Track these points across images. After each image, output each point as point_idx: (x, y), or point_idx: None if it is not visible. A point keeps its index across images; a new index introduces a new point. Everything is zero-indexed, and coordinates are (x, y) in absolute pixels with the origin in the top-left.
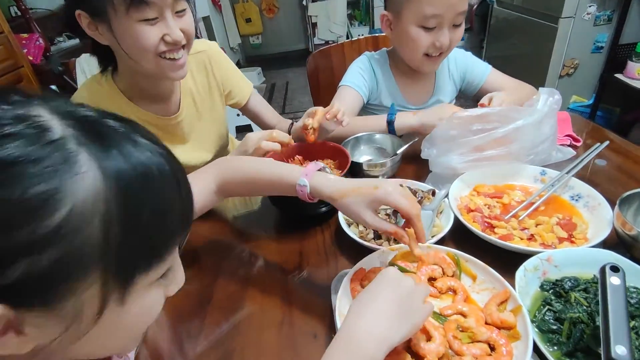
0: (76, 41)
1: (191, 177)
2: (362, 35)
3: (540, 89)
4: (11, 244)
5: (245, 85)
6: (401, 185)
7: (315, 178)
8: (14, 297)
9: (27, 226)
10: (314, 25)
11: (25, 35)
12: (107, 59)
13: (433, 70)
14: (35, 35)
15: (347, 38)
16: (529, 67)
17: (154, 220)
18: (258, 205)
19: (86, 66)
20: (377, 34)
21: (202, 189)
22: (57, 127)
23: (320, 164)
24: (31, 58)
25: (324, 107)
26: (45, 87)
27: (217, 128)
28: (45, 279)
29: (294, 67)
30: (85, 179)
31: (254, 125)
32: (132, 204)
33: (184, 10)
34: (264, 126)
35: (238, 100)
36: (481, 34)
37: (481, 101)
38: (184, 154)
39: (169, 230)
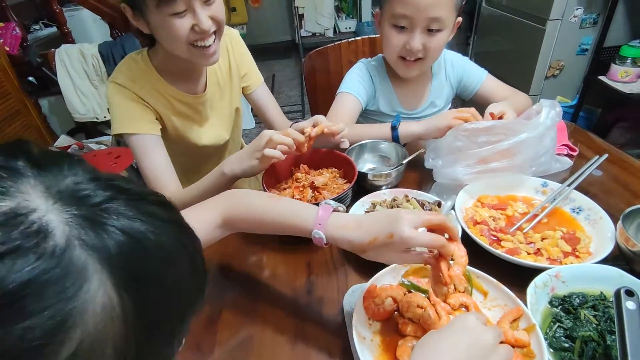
0: (53, 29)
1: (196, 208)
2: (350, 28)
3: (541, 100)
4: None
5: (258, 74)
6: (407, 199)
7: (330, 228)
8: None
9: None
10: (301, 16)
11: (0, 24)
12: (150, 39)
13: (410, 76)
14: (12, 24)
15: (335, 31)
16: (516, 67)
17: (175, 315)
18: None
19: (66, 57)
20: (374, 35)
21: (205, 222)
22: (58, 229)
23: (330, 204)
24: (8, 49)
25: (322, 110)
26: (24, 79)
27: (235, 108)
28: None
29: (280, 58)
30: (93, 299)
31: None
32: (149, 309)
33: None
34: (266, 120)
35: (250, 85)
36: (467, 31)
37: (490, 111)
38: (205, 132)
39: (189, 314)
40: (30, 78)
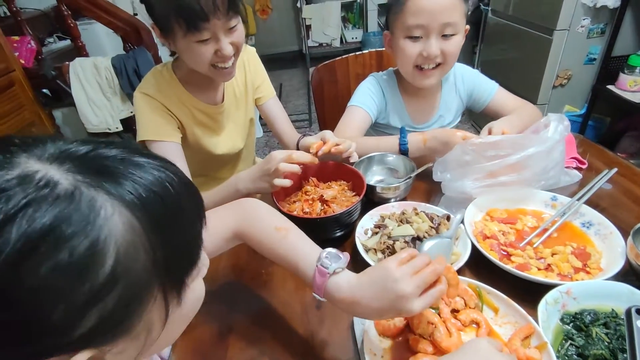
0: (67, 42)
1: (212, 216)
2: (356, 38)
3: (549, 115)
4: (77, 302)
5: (270, 87)
6: (416, 213)
7: (329, 298)
8: (93, 341)
9: (86, 282)
10: (308, 27)
11: (16, 37)
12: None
13: (428, 85)
14: (27, 38)
15: (341, 41)
16: (523, 76)
17: (184, 227)
18: None
19: (80, 70)
20: (380, 48)
21: (219, 231)
22: (62, 178)
23: (327, 267)
24: (23, 61)
25: (329, 120)
26: (38, 91)
27: (250, 118)
28: (116, 316)
29: (287, 68)
30: (115, 220)
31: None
32: (163, 224)
33: (236, 25)
34: (276, 131)
35: (262, 96)
36: (474, 40)
37: (492, 129)
38: (221, 141)
39: (195, 230)
40: (45, 90)
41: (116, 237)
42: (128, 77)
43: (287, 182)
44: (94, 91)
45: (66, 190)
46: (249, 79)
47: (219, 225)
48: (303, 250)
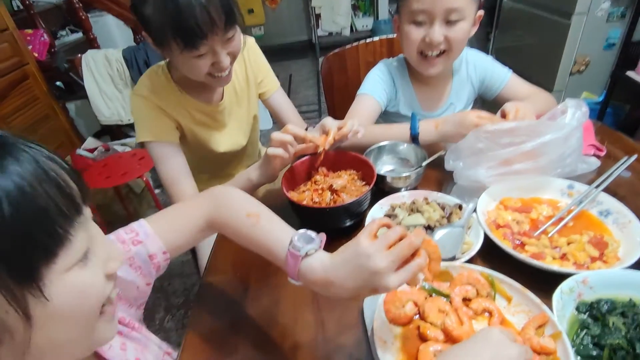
0: (79, 35)
1: (181, 207)
2: (366, 26)
3: (567, 100)
4: None
5: (274, 79)
6: (427, 202)
7: (303, 280)
8: None
9: None
10: (318, 16)
11: (29, 30)
12: None
13: (433, 74)
14: (40, 31)
15: (351, 29)
16: (539, 63)
17: (28, 211)
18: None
19: (92, 62)
20: (391, 35)
21: (189, 223)
22: None
23: (298, 249)
24: (36, 55)
25: (339, 110)
26: (52, 84)
27: (252, 114)
28: None
29: (297, 58)
30: None
31: None
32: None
33: (233, 35)
34: (283, 124)
35: (266, 91)
36: (487, 26)
37: (505, 109)
38: (223, 139)
39: (52, 213)
40: (58, 83)
41: None
42: (139, 68)
43: (279, 151)
44: (105, 83)
45: None
46: (250, 73)
47: (189, 216)
48: (274, 235)
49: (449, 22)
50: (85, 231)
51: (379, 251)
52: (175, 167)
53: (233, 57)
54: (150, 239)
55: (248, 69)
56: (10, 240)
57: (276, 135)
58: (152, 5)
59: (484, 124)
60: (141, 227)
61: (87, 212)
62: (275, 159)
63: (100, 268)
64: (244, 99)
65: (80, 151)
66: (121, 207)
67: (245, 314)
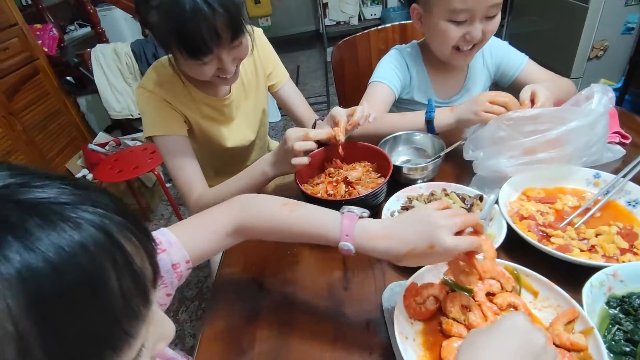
0: (87, 29)
1: (204, 216)
2: (375, 14)
3: (592, 85)
4: None
5: (283, 71)
6: (447, 194)
7: (358, 238)
8: None
9: None
10: (325, 5)
11: (39, 25)
12: None
13: (464, 64)
14: (49, 26)
15: (359, 18)
16: (555, 49)
17: (91, 317)
18: None
19: (101, 56)
20: (404, 22)
21: (214, 230)
22: None
23: (353, 212)
24: (46, 49)
25: (350, 100)
26: (62, 79)
27: (260, 107)
28: None
29: (304, 49)
30: None
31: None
32: (51, 312)
33: (240, 42)
34: (293, 115)
35: (276, 83)
36: (501, 12)
37: (522, 96)
38: (231, 134)
39: (120, 315)
40: (68, 78)
41: None
42: (147, 61)
43: (304, 160)
44: (115, 77)
45: None
46: (259, 65)
47: (215, 223)
48: (317, 214)
49: (487, 18)
50: (147, 324)
51: (444, 213)
52: (184, 161)
53: (239, 60)
54: (174, 248)
55: (257, 61)
56: (66, 356)
57: (300, 144)
58: (156, 14)
59: (498, 102)
60: (164, 236)
61: (154, 295)
62: (299, 166)
63: (149, 355)
64: (251, 92)
65: (92, 146)
66: (134, 201)
67: (261, 309)
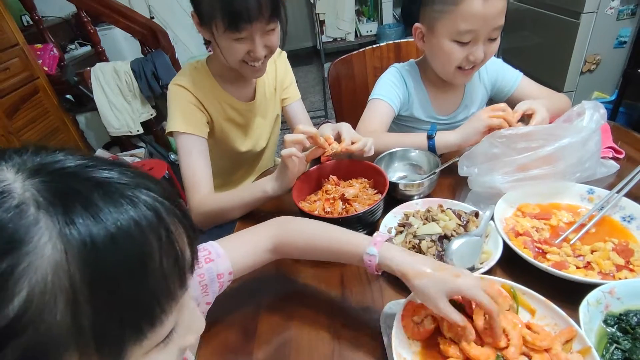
0: (87, 48)
1: (247, 233)
2: (371, 31)
3: (583, 102)
4: None
5: (296, 90)
6: (442, 210)
7: (385, 249)
8: None
9: None
10: (322, 22)
11: (39, 45)
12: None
13: (466, 82)
14: (50, 46)
15: (356, 35)
16: (548, 63)
17: (135, 287)
18: None
19: (101, 74)
20: (399, 40)
21: (255, 246)
22: (19, 189)
23: (386, 234)
24: (46, 69)
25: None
26: (62, 97)
27: (274, 119)
28: None
29: (302, 65)
30: (41, 253)
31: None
32: (103, 276)
33: (274, 28)
34: None
35: (288, 98)
36: None
37: (519, 110)
38: (247, 138)
39: (159, 291)
40: (68, 96)
41: (34, 275)
42: (147, 80)
43: (293, 150)
44: (114, 95)
45: (12, 203)
46: (279, 79)
47: (257, 239)
48: (352, 232)
49: (489, 40)
50: (179, 308)
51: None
52: (198, 162)
53: (269, 51)
54: (221, 259)
55: (279, 74)
56: (109, 318)
57: (289, 136)
58: None
59: (497, 116)
60: (212, 247)
61: (190, 281)
62: (291, 160)
63: (178, 344)
64: (270, 102)
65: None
66: None
67: (258, 327)
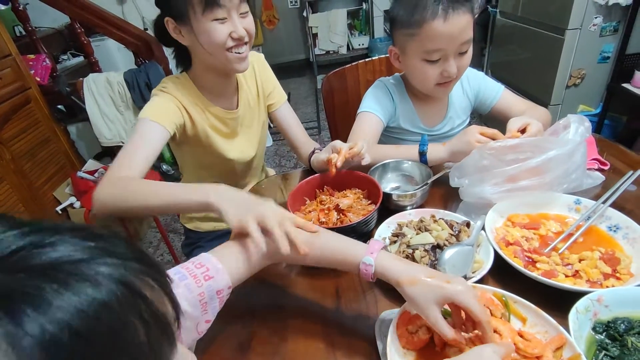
0: (80, 59)
1: (242, 241)
2: (363, 44)
3: (569, 116)
4: None
5: (281, 92)
6: (435, 220)
7: (381, 258)
8: None
9: None
10: (315, 35)
11: (32, 56)
12: (185, 61)
13: (447, 94)
14: (42, 56)
15: (348, 48)
16: (534, 77)
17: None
18: None
19: (93, 85)
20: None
21: (251, 253)
22: None
23: (381, 241)
24: (39, 79)
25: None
26: (54, 107)
27: (261, 127)
28: None
29: (295, 77)
30: None
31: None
32: None
33: (247, 12)
34: (289, 139)
35: (274, 103)
36: (482, 42)
37: (513, 126)
38: (233, 148)
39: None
40: (60, 106)
41: None
42: (140, 91)
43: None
44: (107, 106)
45: None
46: (260, 86)
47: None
48: (348, 238)
49: (460, 54)
50: None
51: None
52: (145, 147)
53: (249, 35)
54: (220, 275)
55: (258, 81)
56: None
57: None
58: None
59: (485, 136)
60: (210, 262)
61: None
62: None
63: None
64: (255, 111)
65: (81, 174)
66: (122, 228)
67: (253, 337)
